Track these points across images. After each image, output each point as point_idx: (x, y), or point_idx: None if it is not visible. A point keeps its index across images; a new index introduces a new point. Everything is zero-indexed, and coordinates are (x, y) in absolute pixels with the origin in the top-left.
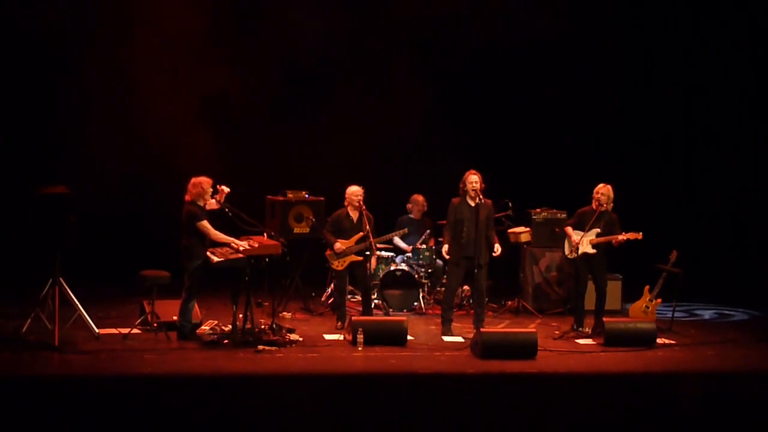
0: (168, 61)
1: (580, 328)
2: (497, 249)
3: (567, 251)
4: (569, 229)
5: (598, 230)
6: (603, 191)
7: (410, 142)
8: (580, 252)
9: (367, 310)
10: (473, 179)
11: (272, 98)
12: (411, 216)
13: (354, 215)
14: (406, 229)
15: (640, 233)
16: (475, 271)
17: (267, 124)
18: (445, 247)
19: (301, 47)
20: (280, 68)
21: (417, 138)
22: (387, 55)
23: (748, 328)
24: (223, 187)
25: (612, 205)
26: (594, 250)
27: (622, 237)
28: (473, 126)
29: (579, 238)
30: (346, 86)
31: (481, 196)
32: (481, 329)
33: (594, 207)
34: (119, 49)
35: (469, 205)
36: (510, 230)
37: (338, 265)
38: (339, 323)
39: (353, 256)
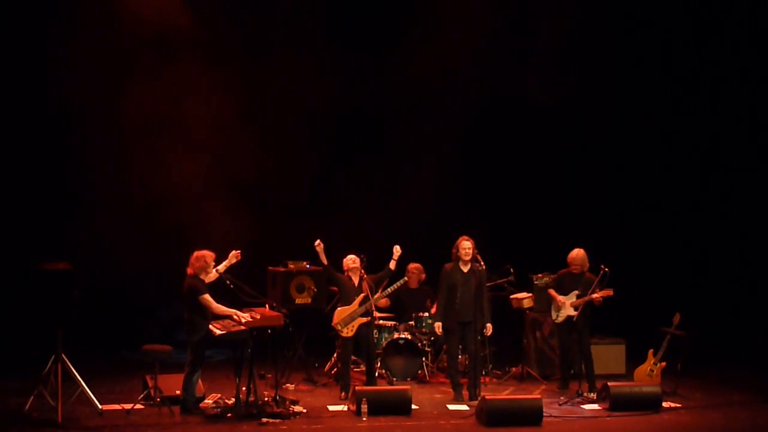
0: (176, 136)
1: (585, 393)
2: (489, 329)
3: (554, 316)
4: (552, 291)
5: (578, 292)
6: (574, 258)
7: (416, 214)
8: (562, 314)
9: (371, 379)
10: (466, 245)
11: (279, 170)
12: (408, 285)
13: (355, 280)
14: (405, 279)
15: (611, 290)
16: (477, 336)
17: (273, 196)
18: (437, 325)
19: (304, 115)
20: (285, 138)
21: (423, 209)
22: (394, 127)
23: (753, 388)
24: (238, 253)
25: (588, 266)
26: (575, 312)
27: (596, 296)
28: (474, 192)
29: (562, 300)
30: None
31: (480, 261)
32: (486, 396)
33: (572, 270)
34: (120, 117)
35: (462, 271)
36: (512, 296)
37: (347, 332)
38: (343, 394)
39: (360, 318)
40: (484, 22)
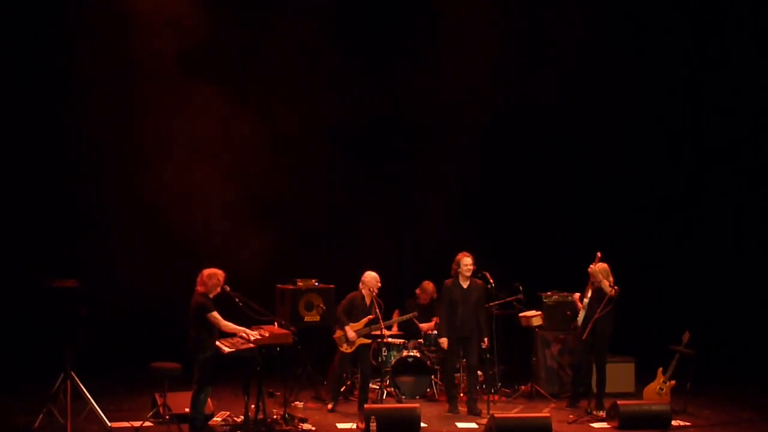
0: (190, 153)
1: (594, 411)
2: (485, 342)
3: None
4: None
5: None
6: (591, 272)
7: (429, 233)
8: (579, 319)
9: (363, 397)
10: (467, 261)
11: (293, 189)
12: (418, 301)
13: (368, 299)
14: (416, 313)
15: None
16: (479, 352)
17: (285, 214)
18: (443, 341)
19: (320, 134)
20: (300, 157)
21: (436, 227)
22: (408, 147)
23: (762, 407)
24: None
25: (611, 279)
26: (586, 299)
27: (590, 268)
28: (484, 211)
29: (581, 305)
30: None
31: (490, 279)
32: (495, 414)
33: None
34: (134, 134)
35: (462, 287)
36: (521, 314)
37: (347, 348)
38: (330, 405)
39: (362, 339)
40: (499, 43)
